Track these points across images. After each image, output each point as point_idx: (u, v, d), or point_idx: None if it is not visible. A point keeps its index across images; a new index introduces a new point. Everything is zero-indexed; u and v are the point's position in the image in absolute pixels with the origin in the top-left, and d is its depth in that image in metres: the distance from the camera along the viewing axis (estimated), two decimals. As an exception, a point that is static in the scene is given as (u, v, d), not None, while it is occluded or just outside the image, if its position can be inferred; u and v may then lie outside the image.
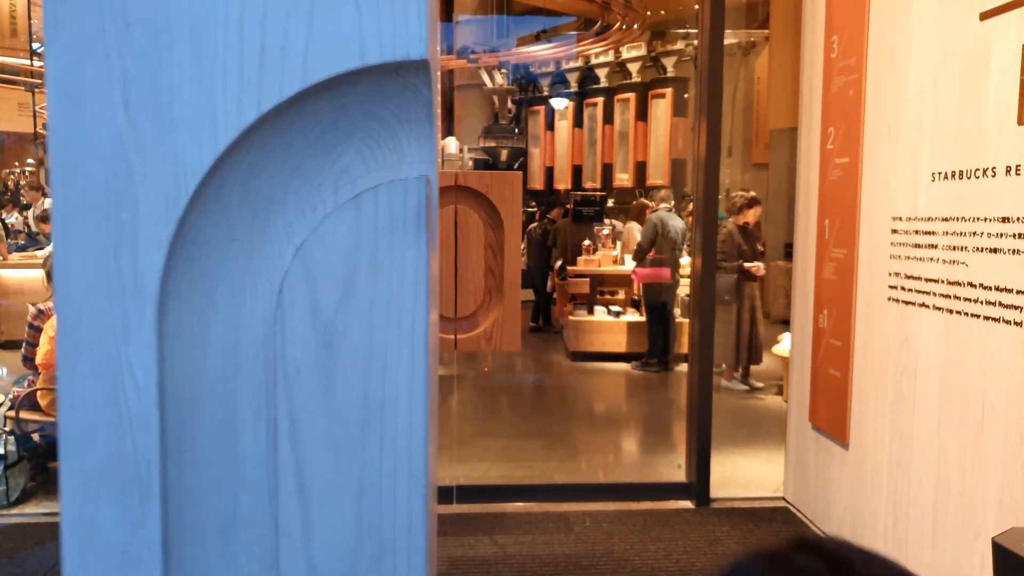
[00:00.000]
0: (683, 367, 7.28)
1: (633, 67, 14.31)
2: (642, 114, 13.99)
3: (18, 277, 8.32)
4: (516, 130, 15.27)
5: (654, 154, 13.81)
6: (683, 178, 13.62)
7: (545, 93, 15.70)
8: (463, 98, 15.98)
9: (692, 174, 3.60)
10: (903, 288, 2.89)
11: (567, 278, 7.90)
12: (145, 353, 1.17)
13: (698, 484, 3.93)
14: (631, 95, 14.07)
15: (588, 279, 7.64)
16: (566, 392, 6.80)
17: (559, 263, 8.21)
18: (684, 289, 7.21)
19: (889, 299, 2.98)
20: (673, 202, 7.27)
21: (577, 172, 14.93)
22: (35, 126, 14.90)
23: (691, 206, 7.33)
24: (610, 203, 13.34)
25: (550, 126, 15.42)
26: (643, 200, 8.58)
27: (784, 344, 6.25)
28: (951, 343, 2.57)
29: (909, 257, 2.86)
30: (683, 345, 7.55)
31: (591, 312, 7.68)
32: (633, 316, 7.62)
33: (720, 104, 3.78)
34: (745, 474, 4.46)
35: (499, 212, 3.71)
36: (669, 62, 13.88)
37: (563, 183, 14.99)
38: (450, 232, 3.75)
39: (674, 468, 4.54)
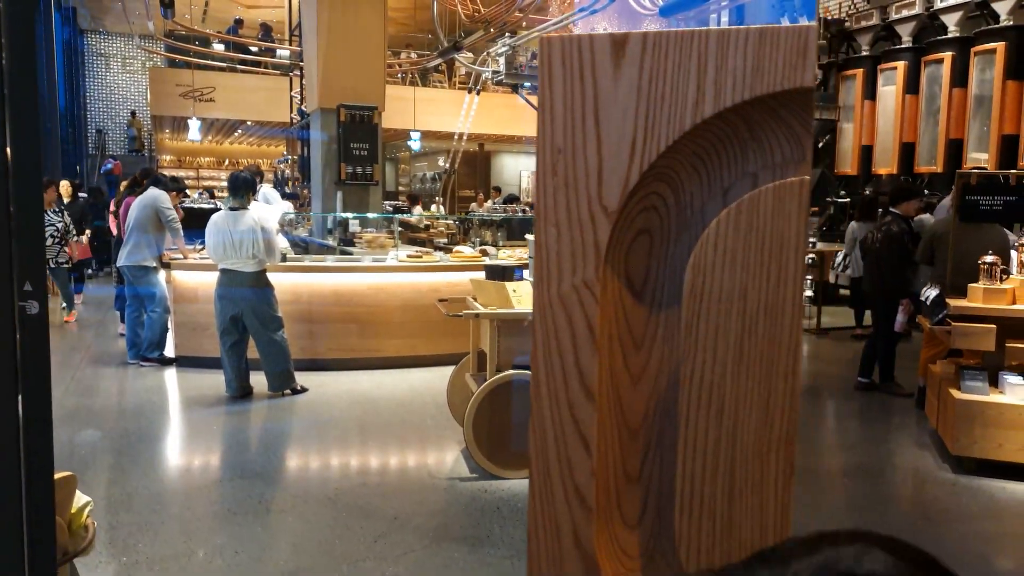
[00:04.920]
0: None
1: (1002, 7, 9.96)
2: (1016, 71, 9.66)
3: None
4: (824, 97, 11.51)
5: (1033, 124, 9.46)
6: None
7: (865, 52, 11.70)
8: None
9: None
10: None
11: (947, 321, 4.43)
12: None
13: None
14: (999, 44, 9.74)
15: (993, 325, 4.14)
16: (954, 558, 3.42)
17: (933, 292, 4.68)
18: None
19: None
20: None
21: (908, 151, 10.87)
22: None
23: None
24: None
25: (870, 94, 11.44)
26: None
27: None
28: None
29: None
30: None
31: (996, 385, 4.19)
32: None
33: None
34: None
35: None
36: (1065, -7, 9.40)
37: (885, 166, 11.03)
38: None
39: None
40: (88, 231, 9.94)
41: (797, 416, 0.97)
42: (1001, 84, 9.70)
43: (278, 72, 15.88)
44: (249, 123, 17.54)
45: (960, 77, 10.20)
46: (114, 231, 8.36)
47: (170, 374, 6.45)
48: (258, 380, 5.80)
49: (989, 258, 4.28)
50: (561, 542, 1.04)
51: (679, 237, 1.02)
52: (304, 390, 5.86)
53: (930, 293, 4.60)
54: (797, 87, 0.93)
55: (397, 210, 14.68)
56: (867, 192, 10.04)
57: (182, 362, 6.57)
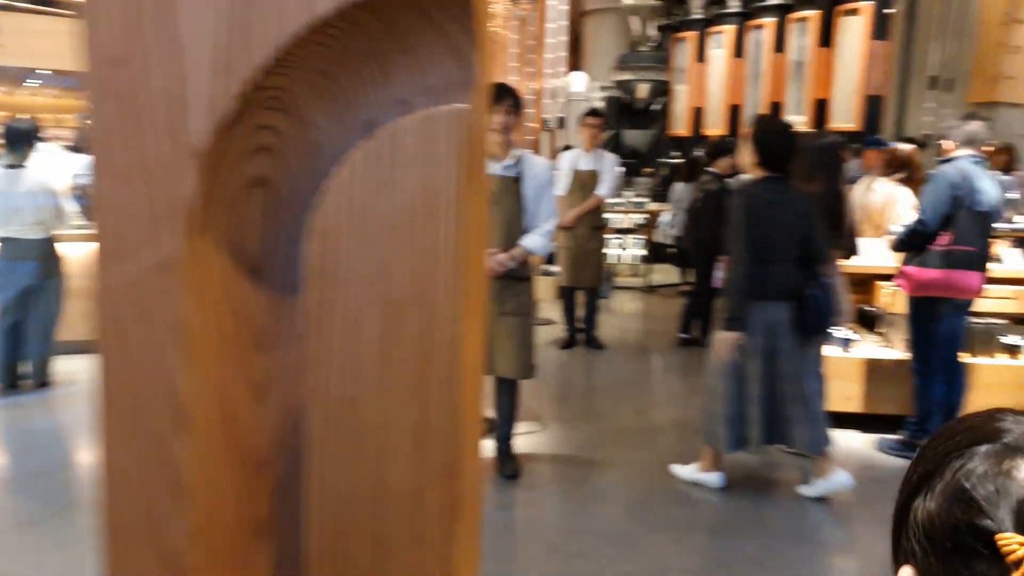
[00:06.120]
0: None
1: (817, -24, 10.44)
2: (826, 39, 10.22)
3: None
4: (659, 59, 11.69)
5: (841, 90, 10.05)
6: (878, 121, 9.82)
7: (697, 15, 11.97)
8: (595, 25, 12.52)
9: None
10: None
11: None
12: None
13: None
14: (813, 13, 10.29)
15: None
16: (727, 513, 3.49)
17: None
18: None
19: None
20: (985, 141, 3.67)
21: (735, 114, 11.29)
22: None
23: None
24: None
25: (701, 57, 11.76)
26: (901, 148, 4.97)
27: None
28: None
29: None
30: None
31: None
32: (883, 349, 4.19)
33: None
34: None
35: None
36: (870, -34, 9.95)
37: (715, 128, 11.41)
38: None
39: None
40: None
41: (465, 438, 0.71)
42: (815, 51, 10.20)
43: (75, 13, 14.20)
44: (50, 72, 15.70)
45: (780, 43, 10.63)
46: None
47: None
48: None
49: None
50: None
51: (310, 190, 0.73)
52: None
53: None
54: (448, -24, 0.66)
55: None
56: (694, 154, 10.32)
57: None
